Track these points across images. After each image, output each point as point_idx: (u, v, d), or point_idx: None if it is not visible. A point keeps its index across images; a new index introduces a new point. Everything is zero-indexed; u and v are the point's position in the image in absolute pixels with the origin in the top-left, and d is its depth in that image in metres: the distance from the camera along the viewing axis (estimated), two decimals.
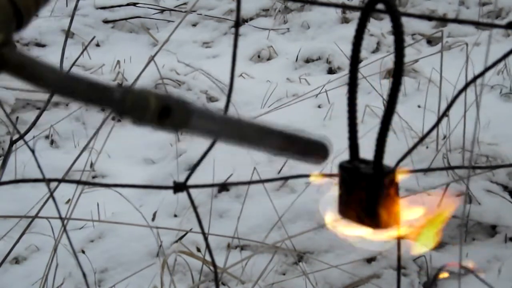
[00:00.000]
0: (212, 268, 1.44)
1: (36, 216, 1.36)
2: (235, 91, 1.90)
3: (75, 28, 4.13)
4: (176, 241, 1.91)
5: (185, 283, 1.82)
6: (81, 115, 3.02)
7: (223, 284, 1.80)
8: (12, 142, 1.23)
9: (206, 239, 0.75)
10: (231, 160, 2.26)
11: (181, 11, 4.59)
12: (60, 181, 0.90)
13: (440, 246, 1.90)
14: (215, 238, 1.87)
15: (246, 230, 1.93)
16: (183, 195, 0.68)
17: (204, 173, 1.96)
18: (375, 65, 2.96)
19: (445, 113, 0.67)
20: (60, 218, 1.11)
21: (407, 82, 2.98)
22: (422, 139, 0.64)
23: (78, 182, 1.18)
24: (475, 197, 1.96)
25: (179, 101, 0.44)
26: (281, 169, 2.27)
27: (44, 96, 2.99)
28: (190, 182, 0.67)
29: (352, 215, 0.57)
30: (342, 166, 0.57)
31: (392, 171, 0.55)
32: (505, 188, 2.04)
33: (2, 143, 2.77)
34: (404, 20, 0.52)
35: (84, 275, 1.11)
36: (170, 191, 0.67)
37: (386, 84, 2.93)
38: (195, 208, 0.70)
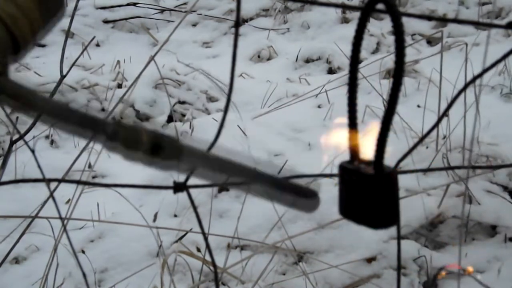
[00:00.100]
0: (212, 268, 1.44)
1: (36, 216, 1.36)
2: (235, 91, 1.90)
3: (75, 28, 4.14)
4: (176, 241, 1.91)
5: (185, 283, 1.82)
6: None
7: (223, 284, 1.80)
8: (12, 142, 1.23)
9: (206, 239, 0.75)
10: None
11: (181, 11, 4.59)
12: (60, 181, 0.90)
13: (440, 246, 1.90)
14: (215, 238, 1.87)
15: (246, 230, 1.93)
16: (183, 195, 0.68)
17: None
18: (375, 65, 2.96)
19: (445, 113, 0.67)
20: (60, 218, 1.11)
21: (407, 82, 2.98)
22: (422, 139, 0.64)
23: (78, 182, 1.18)
24: (475, 197, 1.96)
25: (170, 139, 0.46)
26: (281, 170, 2.27)
27: None
28: (190, 182, 0.67)
29: (352, 215, 0.57)
30: (342, 166, 0.57)
31: (392, 171, 0.55)
32: (505, 188, 2.04)
33: (2, 143, 2.77)
34: (404, 20, 0.52)
35: (84, 275, 1.11)
36: (170, 191, 0.67)
37: (386, 84, 2.93)
38: (195, 208, 0.70)
